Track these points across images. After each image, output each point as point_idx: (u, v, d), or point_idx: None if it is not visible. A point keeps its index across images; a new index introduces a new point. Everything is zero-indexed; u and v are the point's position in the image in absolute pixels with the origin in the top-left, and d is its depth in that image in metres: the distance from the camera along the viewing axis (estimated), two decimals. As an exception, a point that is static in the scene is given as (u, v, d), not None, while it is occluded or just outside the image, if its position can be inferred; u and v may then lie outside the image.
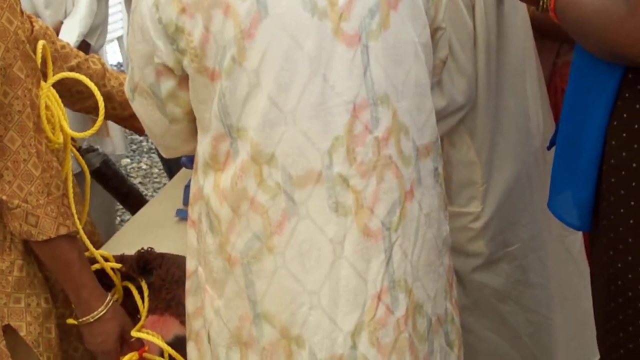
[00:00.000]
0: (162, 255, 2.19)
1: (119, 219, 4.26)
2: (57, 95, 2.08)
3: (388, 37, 1.68)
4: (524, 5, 2.38)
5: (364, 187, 1.68)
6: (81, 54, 2.44)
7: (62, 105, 2.09)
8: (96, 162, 2.66)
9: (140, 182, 5.62)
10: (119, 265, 2.19)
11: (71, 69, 2.38)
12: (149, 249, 2.20)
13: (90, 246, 2.15)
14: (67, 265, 2.08)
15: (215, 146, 1.69)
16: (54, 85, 2.33)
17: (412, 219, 1.74)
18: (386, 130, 1.69)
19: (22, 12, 1.99)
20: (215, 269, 1.76)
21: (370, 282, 1.70)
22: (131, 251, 2.22)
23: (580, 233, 2.55)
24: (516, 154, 2.38)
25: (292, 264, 1.68)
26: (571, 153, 1.91)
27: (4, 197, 1.99)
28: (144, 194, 5.07)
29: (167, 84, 1.74)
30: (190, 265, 1.89)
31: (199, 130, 1.76)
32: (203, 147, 1.73)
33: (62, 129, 2.10)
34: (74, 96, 2.44)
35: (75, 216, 2.09)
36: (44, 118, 2.02)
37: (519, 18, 2.37)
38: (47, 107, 2.06)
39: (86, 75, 2.37)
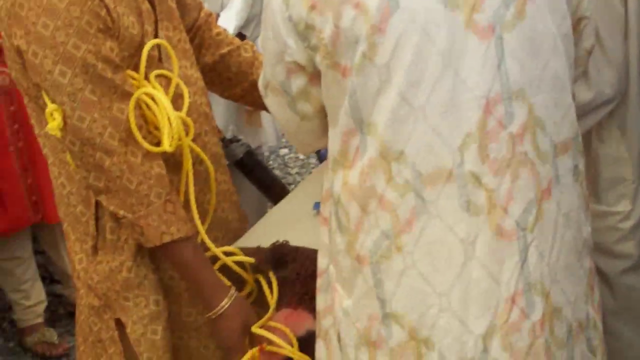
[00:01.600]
0: (297, 249, 2.18)
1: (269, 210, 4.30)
2: (160, 94, 2.06)
3: (524, 28, 1.61)
4: None
5: (497, 186, 1.62)
6: (235, 41, 2.47)
7: (167, 105, 2.06)
8: (239, 152, 2.67)
9: (297, 172, 5.67)
10: (251, 260, 2.19)
11: (222, 56, 2.43)
12: (285, 242, 2.20)
13: (210, 244, 2.16)
14: (183, 266, 2.11)
15: (345, 141, 1.67)
16: (208, 71, 2.38)
17: (549, 219, 1.67)
18: (521, 125, 1.62)
19: (108, 27, 1.99)
20: (344, 268, 1.74)
21: (503, 285, 1.65)
22: (268, 243, 2.22)
23: None
24: (671, 149, 2.27)
25: (421, 264, 1.64)
26: None
27: (112, 208, 2.05)
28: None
29: (298, 82, 1.73)
30: (321, 263, 1.87)
31: (330, 126, 1.74)
32: (333, 143, 1.72)
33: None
34: (223, 83, 2.47)
35: (195, 213, 2.11)
36: (134, 127, 2.01)
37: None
38: (149, 108, 2.06)
39: (236, 62, 2.43)
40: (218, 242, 2.21)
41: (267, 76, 1.78)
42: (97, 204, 2.12)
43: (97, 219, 2.14)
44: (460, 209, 1.61)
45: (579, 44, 1.80)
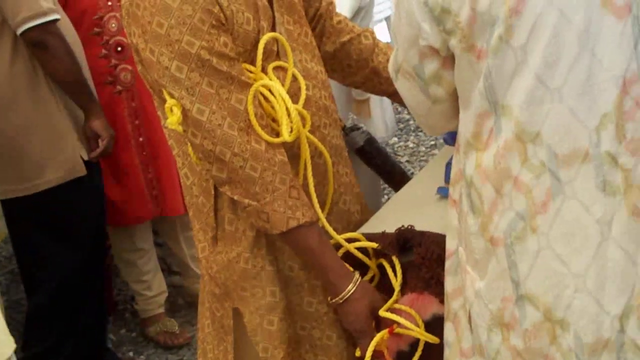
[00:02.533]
0: (422, 233, 2.19)
1: (386, 197, 4.31)
2: (277, 87, 2.10)
3: None
4: None
5: (634, 166, 1.60)
6: (356, 28, 2.50)
7: (285, 95, 2.10)
8: (360, 140, 2.69)
9: (407, 161, 5.67)
10: (374, 245, 2.21)
11: (342, 44, 2.46)
12: (410, 227, 2.21)
13: (331, 230, 2.19)
14: (308, 251, 2.14)
15: (479, 123, 1.68)
16: (329, 59, 2.42)
17: None
18: None
19: (221, 24, 2.03)
20: (476, 250, 1.74)
21: (639, 265, 1.63)
22: (392, 229, 2.23)
23: None
24: None
25: (557, 245, 1.63)
26: None
27: (236, 197, 2.08)
28: (411, 172, 5.12)
29: (431, 66, 1.74)
30: (450, 245, 1.88)
31: (461, 109, 1.75)
32: (465, 126, 1.72)
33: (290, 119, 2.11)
34: (344, 70, 2.51)
35: (316, 201, 2.14)
36: (252, 118, 2.05)
37: None
38: (267, 100, 2.10)
39: (356, 50, 2.46)
40: (339, 233, 2.24)
41: (399, 60, 1.79)
42: (216, 196, 2.18)
43: (216, 211, 2.19)
44: (596, 190, 1.61)
45: None
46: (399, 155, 5.77)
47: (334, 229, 2.22)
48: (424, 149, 5.80)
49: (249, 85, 2.07)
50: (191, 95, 2.02)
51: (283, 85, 2.13)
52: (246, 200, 2.07)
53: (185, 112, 2.04)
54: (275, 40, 2.15)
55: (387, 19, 6.27)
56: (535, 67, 1.58)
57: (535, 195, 1.62)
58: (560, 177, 1.61)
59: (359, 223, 2.37)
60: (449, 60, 1.70)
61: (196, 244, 2.28)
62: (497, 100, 1.62)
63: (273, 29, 2.16)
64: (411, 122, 6.10)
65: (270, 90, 2.10)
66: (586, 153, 1.60)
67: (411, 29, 1.70)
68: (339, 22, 2.48)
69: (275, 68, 2.14)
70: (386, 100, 3.87)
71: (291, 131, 2.09)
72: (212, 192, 2.17)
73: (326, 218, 2.21)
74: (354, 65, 2.49)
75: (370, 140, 2.70)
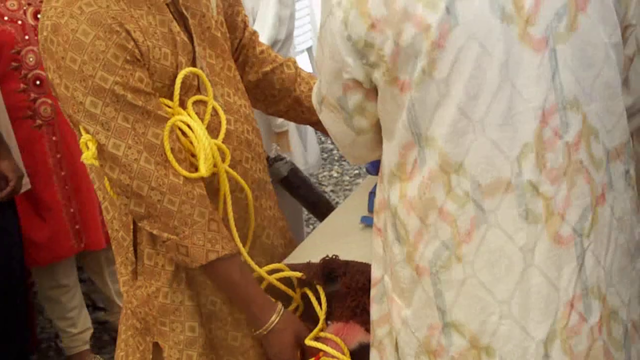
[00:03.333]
0: (347, 263, 2.20)
1: (311, 227, 4.32)
2: (194, 122, 2.11)
3: (576, 39, 1.64)
4: None
5: (554, 194, 1.64)
6: (279, 58, 2.52)
7: (202, 130, 2.11)
8: (284, 170, 2.70)
9: (331, 190, 5.69)
10: (298, 274, 2.21)
11: (265, 74, 2.48)
12: (334, 257, 2.22)
13: (252, 262, 2.19)
14: (230, 284, 2.15)
15: (403, 154, 1.69)
16: (252, 89, 2.43)
17: (604, 224, 1.70)
18: (576, 134, 1.65)
19: (136, 59, 2.03)
20: (402, 279, 1.75)
21: (562, 290, 1.67)
22: (317, 259, 2.24)
23: None
24: None
25: (481, 273, 1.66)
26: None
27: (155, 232, 2.08)
28: (335, 202, 5.14)
29: (355, 98, 1.75)
30: (376, 273, 1.89)
31: (384, 139, 1.77)
32: (389, 156, 1.74)
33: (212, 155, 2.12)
34: (267, 99, 2.52)
35: (236, 235, 2.15)
36: (169, 153, 2.05)
37: None
38: (184, 135, 2.10)
39: (279, 79, 2.48)
40: (262, 267, 2.24)
41: (323, 92, 1.80)
42: (135, 230, 2.17)
43: (135, 245, 2.18)
44: (519, 218, 1.64)
45: (623, 50, 1.81)
46: (323, 185, 5.78)
47: (257, 263, 2.22)
48: (348, 178, 5.83)
49: (166, 119, 2.06)
50: (106, 130, 2.01)
51: (203, 119, 2.13)
52: (165, 234, 2.07)
53: (101, 147, 2.03)
54: (196, 74, 2.15)
55: (309, 49, 6.32)
56: (458, 99, 1.60)
57: (460, 224, 1.65)
58: (483, 207, 1.64)
59: (283, 256, 2.38)
60: (372, 92, 1.72)
61: (119, 277, 2.27)
62: (421, 132, 1.64)
63: (193, 64, 2.16)
64: (335, 151, 6.13)
65: (188, 125, 2.09)
66: (508, 183, 1.63)
67: (335, 62, 1.71)
68: (262, 51, 2.49)
69: (195, 102, 2.14)
70: (310, 132, 3.88)
71: (214, 166, 2.10)
72: (131, 227, 2.17)
73: (249, 252, 2.21)
74: (277, 95, 2.50)
75: (294, 171, 2.71)
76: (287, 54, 3.65)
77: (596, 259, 1.69)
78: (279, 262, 2.33)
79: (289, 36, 3.67)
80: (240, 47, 2.45)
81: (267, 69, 2.48)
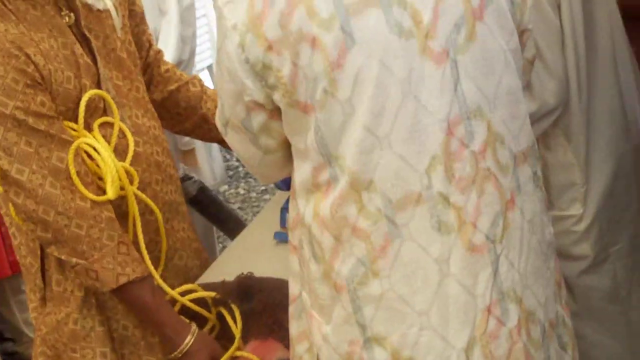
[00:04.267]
0: (262, 280, 2.20)
1: (221, 245, 4.29)
2: (101, 145, 2.09)
3: (476, 48, 1.65)
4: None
5: (465, 203, 1.66)
6: (184, 76, 2.50)
7: (109, 153, 2.09)
8: (192, 190, 2.70)
9: (239, 208, 5.67)
10: (213, 294, 2.20)
11: (170, 92, 2.46)
12: (249, 274, 2.22)
13: (164, 285, 2.17)
14: (142, 308, 2.12)
15: (314, 175, 1.69)
16: (158, 108, 2.40)
17: (515, 228, 1.72)
18: (482, 142, 1.66)
19: (37, 83, 2.01)
20: (321, 296, 1.75)
21: (479, 297, 1.68)
22: (231, 277, 2.23)
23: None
24: (614, 152, 2.34)
25: (399, 286, 1.66)
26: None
27: (64, 257, 2.05)
28: (243, 219, 5.12)
29: (259, 118, 1.73)
30: (293, 290, 1.88)
31: (295, 158, 1.76)
32: (301, 175, 1.73)
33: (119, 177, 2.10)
34: (173, 118, 2.50)
35: (147, 257, 2.12)
36: (74, 177, 2.03)
37: (608, 13, 2.32)
38: (91, 158, 2.08)
39: (184, 97, 2.46)
40: (175, 289, 2.22)
41: (227, 115, 1.78)
42: (43, 256, 2.13)
43: (43, 271, 2.15)
44: (432, 230, 1.65)
45: (522, 54, 1.84)
46: (230, 203, 5.76)
47: (171, 285, 2.20)
48: (255, 195, 5.82)
49: (70, 143, 2.03)
50: (9, 156, 1.98)
51: (109, 141, 2.11)
52: (74, 259, 2.04)
53: (4, 173, 1.99)
54: (101, 97, 2.12)
55: (209, 67, 6.29)
56: (363, 118, 1.60)
57: (374, 240, 1.65)
58: (396, 221, 1.64)
59: (198, 278, 2.36)
60: (276, 112, 1.71)
61: (28, 304, 2.22)
62: (330, 152, 1.64)
63: (98, 86, 2.13)
64: (240, 168, 6.11)
65: (94, 148, 2.07)
66: (419, 196, 1.63)
67: (234, 85, 1.69)
68: (167, 70, 2.47)
69: (102, 124, 2.11)
70: (215, 148, 3.87)
71: (122, 189, 2.07)
72: (39, 253, 2.13)
73: (162, 274, 2.19)
74: (183, 113, 2.48)
75: (203, 190, 2.70)
76: (190, 73, 3.64)
77: (510, 263, 1.71)
78: (193, 283, 2.31)
79: (192, 55, 3.67)
80: (145, 65, 2.43)
81: (173, 87, 2.46)
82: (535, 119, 2.20)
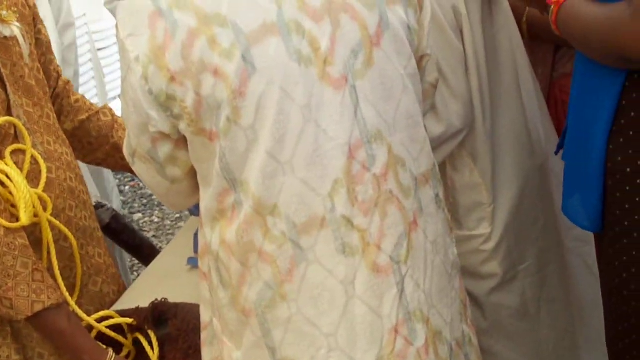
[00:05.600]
0: (177, 305, 2.20)
1: (135, 274, 4.27)
2: (13, 172, 2.08)
3: (374, 74, 1.68)
4: (513, 22, 2.40)
5: (368, 225, 1.68)
6: (94, 106, 2.50)
7: (21, 179, 2.08)
8: (106, 217, 2.68)
9: (153, 236, 5.64)
10: (129, 320, 2.20)
11: (81, 122, 2.46)
12: (163, 300, 2.22)
13: (81, 312, 2.16)
14: (58, 335, 2.11)
15: (220, 201, 1.70)
16: (69, 138, 2.39)
17: (419, 249, 1.75)
18: (383, 166, 1.69)
19: None
20: (230, 322, 1.76)
21: (385, 317, 1.70)
22: (146, 303, 2.23)
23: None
24: (520, 170, 2.39)
25: (306, 309, 1.68)
26: (579, 157, 1.95)
27: None
28: (159, 246, 5.09)
29: (165, 149, 1.74)
30: (204, 317, 1.89)
31: (201, 186, 1.77)
32: (207, 202, 1.74)
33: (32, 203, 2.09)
34: (85, 148, 2.50)
35: (62, 284, 2.11)
36: None
37: (509, 36, 2.38)
38: (3, 185, 2.07)
39: (95, 127, 2.46)
40: (91, 315, 2.21)
41: (133, 145, 1.79)
42: None
43: None
44: (336, 252, 1.67)
45: (423, 78, 1.88)
46: (145, 231, 5.73)
47: (86, 311, 2.19)
48: (169, 222, 5.79)
49: None
50: None
51: (22, 168, 2.10)
52: None
53: None
54: (12, 123, 2.11)
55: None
56: (266, 144, 1.62)
57: (280, 264, 1.67)
58: (301, 245, 1.66)
59: (114, 303, 2.35)
60: (182, 141, 1.72)
61: None
62: (235, 177, 1.66)
63: (9, 112, 2.12)
64: (154, 196, 6.08)
65: (6, 175, 2.06)
66: (323, 219, 1.66)
67: (139, 116, 1.70)
68: (77, 100, 2.47)
69: (14, 151, 2.10)
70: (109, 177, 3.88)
71: (36, 215, 2.06)
72: None
73: (77, 301, 2.18)
74: (94, 143, 2.48)
75: (116, 217, 2.69)
76: None
77: (415, 283, 1.73)
78: (109, 309, 2.30)
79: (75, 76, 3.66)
80: (55, 96, 2.42)
81: (83, 117, 2.46)
82: (442, 141, 2.24)
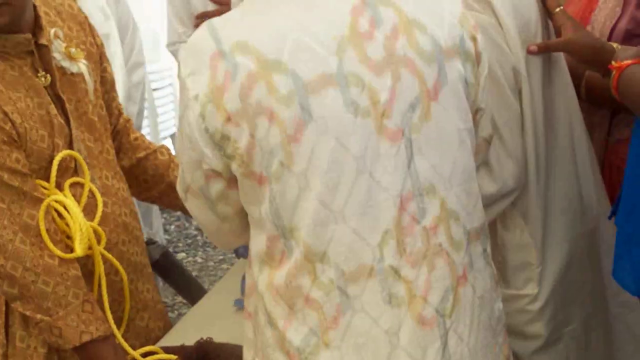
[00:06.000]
0: (221, 346, 2.22)
1: (176, 312, 4.29)
2: (71, 204, 2.12)
3: (430, 128, 1.71)
4: (571, 84, 2.41)
5: (415, 277, 1.70)
6: (152, 145, 2.55)
7: (78, 212, 2.12)
8: (156, 254, 2.71)
9: (196, 276, 5.66)
10: (173, 357, 2.22)
11: (139, 160, 2.51)
12: (208, 339, 2.23)
13: (126, 345, 2.18)
14: None
15: (269, 246, 1.72)
16: (125, 174, 2.44)
17: (466, 303, 1.76)
18: (434, 219, 1.71)
19: (14, 140, 2.05)
20: None
21: None
22: (191, 342, 2.25)
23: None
24: (570, 234, 2.38)
25: (349, 357, 1.69)
26: (631, 222, 1.94)
27: (28, 313, 2.07)
28: (200, 288, 5.11)
29: (217, 187, 1.77)
30: (246, 357, 1.90)
31: (251, 227, 1.79)
32: (257, 244, 1.76)
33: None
34: (140, 185, 2.54)
35: (110, 317, 2.14)
36: (44, 234, 2.06)
37: (567, 98, 2.39)
38: (60, 216, 2.12)
39: (152, 165, 2.50)
40: (136, 349, 2.24)
41: (187, 181, 1.82)
42: (8, 312, 2.14)
43: (7, 327, 2.15)
44: (382, 302, 1.68)
45: (477, 133, 1.89)
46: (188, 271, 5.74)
47: (132, 345, 2.21)
48: (212, 263, 5.81)
49: (41, 201, 2.07)
50: None
51: (79, 201, 2.14)
52: (38, 316, 2.06)
53: None
54: (73, 157, 2.16)
55: (172, 136, 6.34)
56: (318, 191, 1.65)
57: (326, 311, 1.68)
58: (348, 293, 1.68)
59: (159, 340, 2.38)
60: (234, 181, 1.75)
61: None
62: (284, 223, 1.68)
63: (70, 146, 2.17)
64: (199, 237, 6.11)
65: (64, 206, 2.10)
66: (371, 268, 1.67)
67: (194, 153, 1.73)
68: (136, 138, 2.52)
69: (72, 184, 2.15)
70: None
71: (90, 248, 2.10)
72: (3, 309, 2.14)
73: (124, 335, 2.21)
74: (150, 181, 2.52)
75: (166, 255, 2.72)
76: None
77: (459, 337, 1.74)
78: (154, 344, 2.32)
79: (139, 116, 3.71)
80: (115, 132, 2.47)
81: (141, 155, 2.51)
82: (494, 199, 2.25)
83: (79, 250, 2.08)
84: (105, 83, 2.42)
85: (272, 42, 1.65)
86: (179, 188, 1.88)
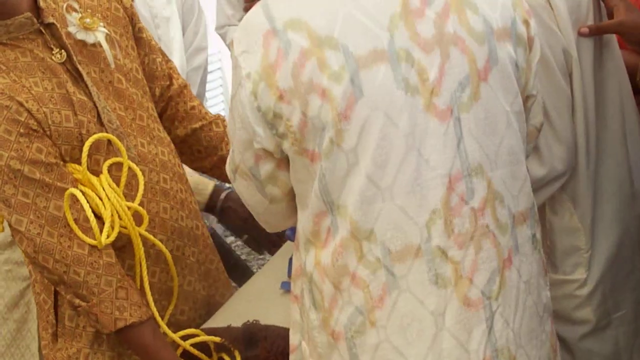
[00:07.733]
0: (267, 327, 2.22)
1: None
2: (101, 189, 2.11)
3: (479, 108, 1.70)
4: (624, 70, 2.38)
5: (462, 258, 1.69)
6: (208, 115, 2.53)
7: (113, 196, 2.11)
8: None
9: (245, 259, 5.67)
10: (216, 339, 2.22)
11: (194, 130, 2.49)
12: (255, 321, 2.24)
13: (166, 329, 2.19)
14: (142, 349, 2.15)
15: (316, 223, 1.73)
16: (179, 143, 2.43)
17: (511, 287, 1.75)
18: (482, 200, 1.70)
19: (32, 130, 2.04)
20: (319, 344, 1.78)
21: (472, 352, 1.71)
22: (238, 323, 2.25)
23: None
24: (620, 218, 2.36)
25: (394, 337, 1.69)
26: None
27: (69, 297, 2.09)
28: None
29: (267, 167, 1.78)
30: (293, 340, 1.91)
31: (299, 207, 1.80)
32: (303, 224, 1.77)
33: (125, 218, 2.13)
34: (193, 155, 2.53)
35: (150, 300, 2.15)
36: (72, 224, 2.06)
37: (619, 83, 2.36)
38: (100, 200, 2.10)
39: (207, 137, 2.48)
40: (185, 315, 2.26)
41: (236, 161, 1.83)
42: (57, 292, 2.16)
43: (56, 307, 2.17)
44: (429, 283, 1.68)
45: (528, 120, 1.89)
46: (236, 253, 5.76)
47: (181, 312, 2.22)
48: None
49: (66, 190, 2.06)
50: (8, 207, 2.03)
51: (119, 182, 2.13)
52: (77, 301, 2.08)
53: (7, 221, 2.05)
54: (106, 139, 2.15)
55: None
56: (366, 168, 1.65)
57: (372, 290, 1.68)
58: (394, 272, 1.67)
59: (206, 300, 2.39)
60: (284, 161, 1.75)
61: (40, 342, 2.25)
62: (332, 200, 1.68)
63: (99, 119, 2.15)
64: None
65: (96, 192, 2.10)
66: (418, 248, 1.67)
67: (245, 132, 1.74)
68: (193, 107, 2.49)
69: (110, 165, 2.14)
70: None
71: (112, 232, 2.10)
72: (52, 289, 2.16)
73: (175, 302, 2.23)
74: (203, 152, 2.51)
75: (213, 236, 2.72)
76: None
77: (505, 321, 1.73)
78: (202, 306, 2.35)
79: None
80: (168, 98, 2.46)
81: (196, 125, 2.49)
82: (543, 183, 2.23)
83: (103, 239, 2.07)
84: (143, 44, 2.39)
85: (324, 17, 1.65)
86: (227, 168, 1.89)
